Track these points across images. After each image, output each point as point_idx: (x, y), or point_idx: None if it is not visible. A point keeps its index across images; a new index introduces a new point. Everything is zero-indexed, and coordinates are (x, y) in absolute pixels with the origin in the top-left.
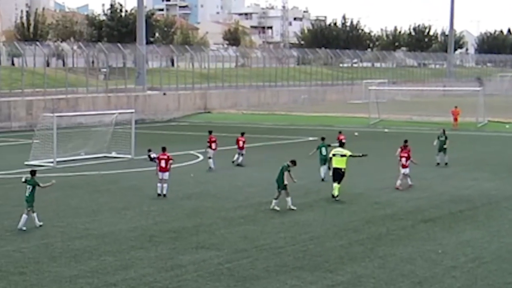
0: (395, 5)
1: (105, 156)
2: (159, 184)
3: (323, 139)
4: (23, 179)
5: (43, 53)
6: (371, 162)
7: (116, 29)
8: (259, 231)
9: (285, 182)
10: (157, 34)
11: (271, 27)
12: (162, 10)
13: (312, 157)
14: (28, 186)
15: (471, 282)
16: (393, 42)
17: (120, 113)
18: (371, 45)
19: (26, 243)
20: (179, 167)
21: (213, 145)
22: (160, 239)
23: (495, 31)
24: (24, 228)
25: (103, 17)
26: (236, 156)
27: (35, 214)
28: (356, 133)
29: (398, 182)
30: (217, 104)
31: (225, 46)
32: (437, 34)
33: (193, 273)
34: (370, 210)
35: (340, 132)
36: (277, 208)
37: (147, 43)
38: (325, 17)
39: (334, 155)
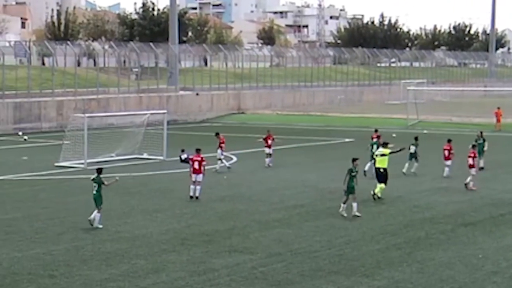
0: (434, 3)
1: (136, 158)
2: (192, 186)
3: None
4: (91, 178)
5: (74, 52)
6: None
7: (148, 28)
8: (294, 234)
9: (344, 188)
10: (190, 33)
11: (306, 26)
12: (195, 8)
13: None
14: (94, 185)
15: None
16: (432, 41)
17: (152, 113)
18: (409, 44)
19: (56, 245)
20: (212, 168)
21: (223, 146)
22: (193, 242)
23: None
24: (101, 226)
25: (135, 16)
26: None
27: (98, 214)
28: (394, 135)
29: (468, 180)
30: (251, 105)
31: (260, 45)
32: (478, 32)
33: (226, 277)
34: (408, 213)
35: (376, 131)
36: (345, 214)
37: (179, 42)
38: (362, 15)
39: (376, 155)
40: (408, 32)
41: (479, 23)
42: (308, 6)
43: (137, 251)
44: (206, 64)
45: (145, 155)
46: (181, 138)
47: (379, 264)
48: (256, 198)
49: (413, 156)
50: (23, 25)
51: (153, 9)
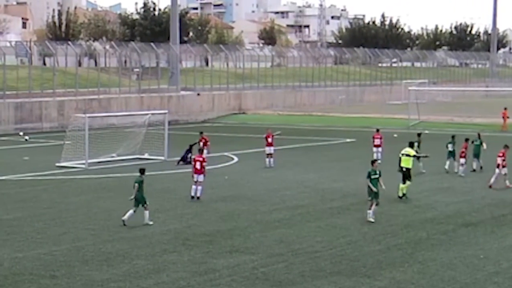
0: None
1: (137, 158)
2: (193, 186)
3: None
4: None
5: (75, 52)
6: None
7: (149, 28)
8: (295, 235)
9: (374, 189)
10: (191, 33)
11: (307, 26)
12: (196, 8)
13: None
14: (135, 185)
15: None
16: (433, 41)
17: (153, 113)
18: (411, 44)
19: (57, 246)
20: (214, 169)
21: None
22: (194, 243)
23: None
24: (151, 223)
25: (136, 16)
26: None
27: (147, 212)
28: (395, 135)
29: (492, 180)
30: (252, 105)
31: (261, 45)
32: (479, 32)
33: (227, 277)
34: (409, 214)
35: (377, 131)
36: (372, 220)
37: (181, 42)
38: (364, 15)
39: (402, 154)
40: (409, 32)
41: (480, 23)
42: (309, 6)
43: (138, 251)
44: (207, 64)
45: (146, 155)
46: (182, 139)
47: (380, 265)
48: (257, 199)
49: (452, 154)
50: (24, 25)
51: (154, 9)
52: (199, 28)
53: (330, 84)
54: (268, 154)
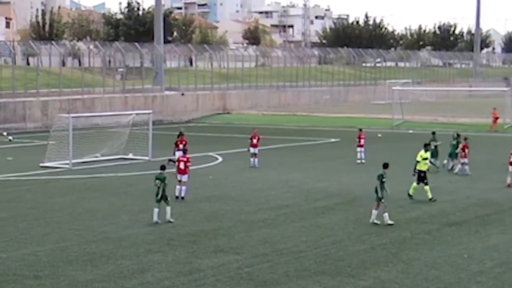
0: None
1: (122, 158)
2: (177, 186)
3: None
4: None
5: (58, 52)
6: (394, 164)
7: (133, 28)
8: (280, 234)
9: (379, 195)
10: (175, 33)
11: (292, 26)
12: (180, 8)
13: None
14: (157, 182)
15: None
16: (417, 41)
17: (137, 113)
18: (394, 44)
19: (41, 246)
20: (198, 169)
21: (181, 147)
22: (178, 243)
23: None
24: (172, 220)
25: (120, 16)
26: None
27: (169, 208)
28: (379, 135)
29: (509, 180)
30: (237, 105)
31: (245, 45)
32: (463, 32)
33: (212, 277)
34: (393, 213)
35: (360, 130)
36: (377, 222)
37: (165, 42)
38: (347, 15)
39: (421, 159)
40: (393, 32)
41: (464, 23)
42: (293, 6)
43: (123, 251)
44: (191, 64)
45: (130, 156)
46: (167, 139)
47: (365, 264)
48: (241, 199)
49: (452, 152)
50: (7, 25)
51: (138, 9)
52: (183, 28)
53: (315, 84)
54: (252, 154)
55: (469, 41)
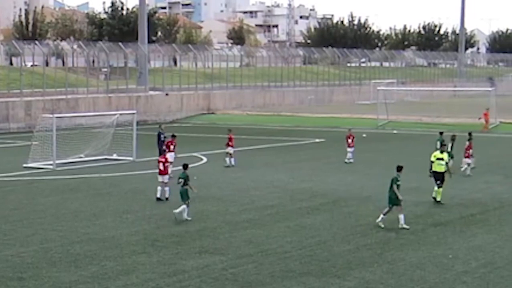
0: (404, 3)
1: (106, 158)
2: (159, 188)
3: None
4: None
5: (42, 52)
6: (379, 164)
7: (117, 28)
8: (265, 235)
9: (400, 197)
10: (159, 33)
11: (276, 26)
12: (164, 8)
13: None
14: (179, 180)
15: None
16: (402, 41)
17: (121, 114)
18: (379, 44)
19: (25, 247)
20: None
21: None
22: (163, 244)
23: (507, 29)
24: (189, 218)
25: (104, 16)
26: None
27: (186, 207)
28: (364, 135)
29: None
30: (221, 105)
31: (229, 45)
32: (447, 33)
33: (197, 278)
34: (378, 213)
35: (349, 130)
36: (382, 225)
37: (149, 42)
38: (332, 15)
39: (435, 159)
40: (378, 32)
41: (448, 23)
42: (278, 6)
43: (107, 252)
44: (175, 64)
45: (114, 156)
46: (151, 139)
47: (350, 265)
48: (226, 199)
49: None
50: None
51: (122, 8)
52: (168, 27)
53: (299, 84)
54: (228, 153)
55: (454, 41)
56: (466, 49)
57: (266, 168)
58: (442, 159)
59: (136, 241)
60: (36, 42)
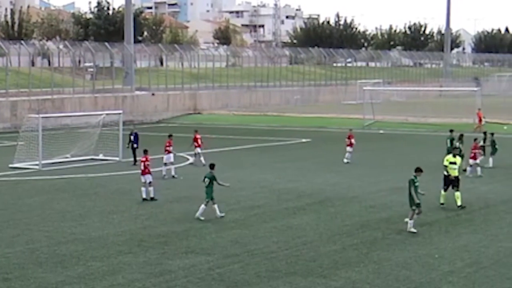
0: (390, 3)
1: (92, 159)
2: (143, 188)
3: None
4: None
5: (28, 52)
6: (366, 164)
7: (103, 28)
8: (251, 235)
9: (416, 201)
10: (145, 33)
11: (262, 26)
12: (150, 8)
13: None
14: (206, 180)
15: None
16: (388, 41)
17: (107, 114)
18: (365, 44)
19: (11, 248)
20: (168, 169)
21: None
22: (149, 244)
23: (493, 29)
24: (202, 218)
25: (89, 15)
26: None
27: (215, 206)
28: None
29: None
30: (207, 105)
31: (216, 45)
32: (433, 32)
33: (183, 278)
34: (364, 214)
35: (350, 130)
36: (414, 230)
37: (135, 42)
38: (318, 15)
39: (449, 163)
40: (364, 32)
41: (434, 23)
42: (264, 6)
43: (93, 253)
44: (161, 64)
45: (100, 156)
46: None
47: (336, 265)
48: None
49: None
50: None
51: (108, 8)
52: (154, 27)
53: (285, 84)
54: (196, 154)
55: (440, 41)
56: (451, 49)
57: (253, 168)
58: (455, 163)
59: (122, 241)
60: (22, 42)
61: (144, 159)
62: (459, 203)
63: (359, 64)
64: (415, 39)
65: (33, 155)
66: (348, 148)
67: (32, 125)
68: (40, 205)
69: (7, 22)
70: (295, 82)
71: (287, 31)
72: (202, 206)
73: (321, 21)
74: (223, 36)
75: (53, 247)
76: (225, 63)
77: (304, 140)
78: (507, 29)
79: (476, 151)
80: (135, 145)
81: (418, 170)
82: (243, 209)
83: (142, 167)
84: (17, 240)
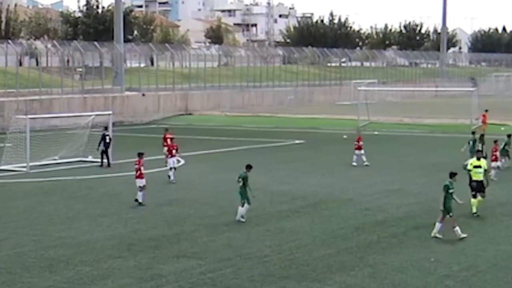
0: (385, 1)
1: (81, 161)
2: (139, 192)
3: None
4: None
5: (15, 51)
6: (361, 166)
7: (92, 27)
8: (244, 239)
9: (458, 202)
10: (135, 32)
11: (255, 25)
12: (141, 6)
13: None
14: (238, 179)
15: None
16: (383, 40)
17: (96, 115)
18: (360, 43)
19: None
20: (159, 172)
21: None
22: (139, 248)
23: (489, 29)
24: (243, 220)
25: (78, 14)
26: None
27: (242, 208)
28: (344, 136)
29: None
30: (199, 106)
31: (207, 44)
32: (429, 32)
33: (174, 283)
34: (360, 216)
35: (358, 131)
36: (439, 236)
37: (125, 41)
38: (312, 14)
39: (472, 167)
40: (358, 31)
41: (430, 22)
42: (256, 4)
43: (82, 257)
44: (152, 63)
45: (89, 158)
46: (127, 141)
47: (331, 269)
48: (204, 202)
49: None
50: None
51: (97, 7)
52: (144, 26)
53: (279, 84)
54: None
55: (435, 41)
56: (448, 48)
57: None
58: (479, 166)
59: (112, 245)
60: (9, 41)
61: (137, 162)
62: (474, 210)
63: (353, 64)
64: (410, 39)
65: (20, 157)
66: (357, 151)
67: (20, 126)
68: (28, 208)
69: None
70: (289, 82)
71: (280, 30)
72: (240, 208)
73: (314, 20)
74: (215, 35)
75: (41, 251)
76: (217, 63)
77: (297, 141)
78: (504, 29)
79: (497, 153)
80: (104, 148)
81: (453, 174)
82: (236, 212)
83: (135, 171)
84: (4, 244)
